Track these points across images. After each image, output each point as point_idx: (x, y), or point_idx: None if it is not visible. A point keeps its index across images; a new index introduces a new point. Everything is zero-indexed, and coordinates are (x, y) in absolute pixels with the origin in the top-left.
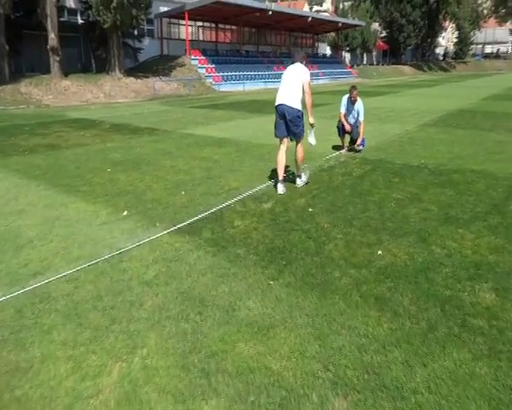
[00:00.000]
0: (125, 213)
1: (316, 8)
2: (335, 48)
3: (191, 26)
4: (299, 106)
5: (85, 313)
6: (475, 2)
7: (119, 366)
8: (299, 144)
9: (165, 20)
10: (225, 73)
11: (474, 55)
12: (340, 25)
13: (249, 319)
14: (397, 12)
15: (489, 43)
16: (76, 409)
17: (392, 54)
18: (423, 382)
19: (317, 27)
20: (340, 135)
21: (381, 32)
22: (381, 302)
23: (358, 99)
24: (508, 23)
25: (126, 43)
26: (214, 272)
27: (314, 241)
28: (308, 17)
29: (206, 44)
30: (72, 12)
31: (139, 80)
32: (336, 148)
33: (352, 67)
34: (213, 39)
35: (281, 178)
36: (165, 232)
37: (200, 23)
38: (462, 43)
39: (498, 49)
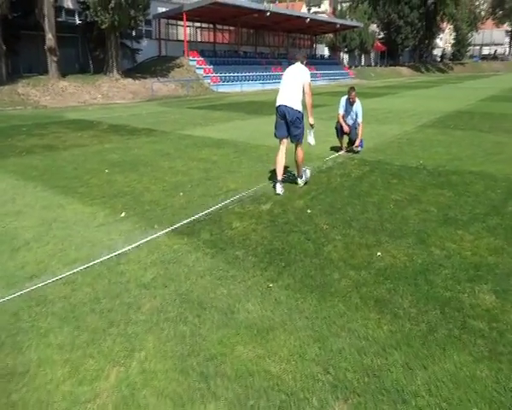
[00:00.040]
0: (123, 214)
1: (314, 9)
2: (333, 49)
3: (189, 26)
4: (299, 107)
5: (83, 315)
6: (473, 4)
7: (116, 369)
8: (299, 147)
9: (163, 20)
10: (223, 74)
11: (471, 56)
12: (338, 26)
13: (248, 321)
14: (394, 13)
15: (486, 45)
16: None
17: (390, 55)
18: (424, 384)
19: (315, 28)
20: (338, 136)
21: (379, 34)
22: (381, 304)
23: (357, 100)
24: (505, 24)
25: (124, 43)
26: (213, 274)
27: (313, 242)
28: (306, 18)
29: (204, 45)
30: (70, 12)
31: (137, 81)
32: (335, 149)
33: (349, 68)
34: (211, 40)
35: (279, 178)
36: (163, 234)
37: (198, 24)
38: (460, 44)
39: (496, 51)
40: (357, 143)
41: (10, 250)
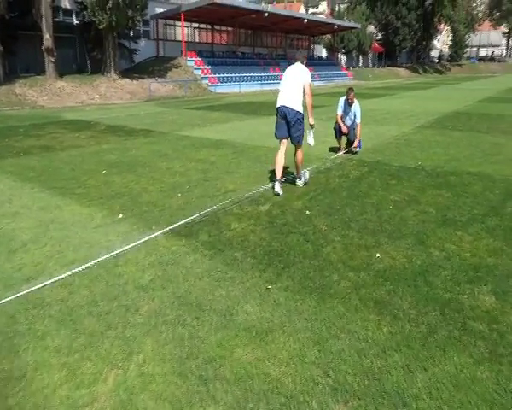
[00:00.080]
0: (121, 215)
1: (312, 10)
2: (331, 50)
3: (187, 27)
4: (300, 108)
5: (80, 318)
6: (470, 6)
7: (114, 373)
8: (299, 149)
9: (161, 21)
10: (221, 75)
11: (468, 57)
12: (336, 27)
13: (247, 323)
14: (392, 14)
15: (484, 46)
16: None
17: (388, 56)
18: (424, 387)
19: (313, 29)
20: (336, 137)
21: (377, 35)
22: (381, 306)
23: (355, 101)
24: (502, 26)
25: (122, 44)
26: (211, 275)
27: (312, 244)
28: (304, 19)
29: (202, 46)
30: (68, 12)
31: (135, 81)
32: (333, 150)
33: (347, 69)
34: (209, 41)
35: (278, 177)
36: (161, 235)
37: (196, 24)
38: (457, 45)
39: (493, 52)
40: (355, 143)
41: (7, 252)
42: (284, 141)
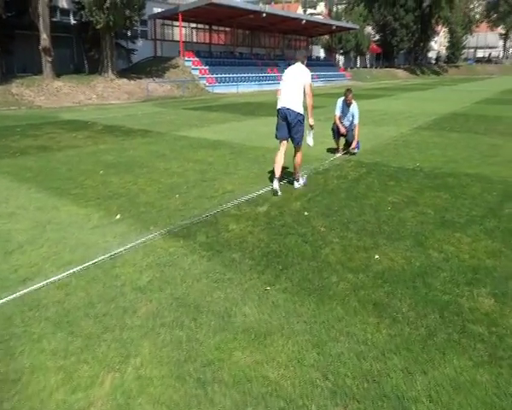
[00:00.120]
0: (118, 216)
1: (309, 10)
2: (329, 51)
3: (185, 27)
4: (300, 109)
5: (77, 320)
6: (467, 7)
7: (111, 376)
8: (298, 151)
9: (158, 21)
10: (219, 75)
11: (466, 59)
12: (334, 28)
13: (246, 325)
14: (390, 16)
15: (481, 48)
16: None
17: (386, 57)
18: (424, 390)
19: (311, 30)
20: (335, 138)
21: (375, 36)
22: (380, 308)
23: (353, 102)
24: (499, 28)
25: (119, 44)
26: (209, 277)
27: (310, 245)
28: (302, 20)
29: (200, 46)
30: (65, 12)
31: (132, 82)
32: (331, 150)
33: (345, 69)
34: (207, 41)
35: (277, 176)
36: (158, 236)
37: (193, 25)
38: (455, 47)
39: (490, 54)
40: (353, 144)
41: (3, 253)
42: (284, 142)
